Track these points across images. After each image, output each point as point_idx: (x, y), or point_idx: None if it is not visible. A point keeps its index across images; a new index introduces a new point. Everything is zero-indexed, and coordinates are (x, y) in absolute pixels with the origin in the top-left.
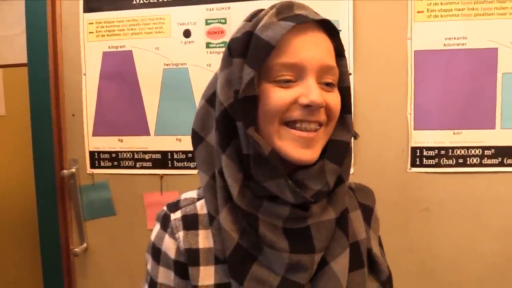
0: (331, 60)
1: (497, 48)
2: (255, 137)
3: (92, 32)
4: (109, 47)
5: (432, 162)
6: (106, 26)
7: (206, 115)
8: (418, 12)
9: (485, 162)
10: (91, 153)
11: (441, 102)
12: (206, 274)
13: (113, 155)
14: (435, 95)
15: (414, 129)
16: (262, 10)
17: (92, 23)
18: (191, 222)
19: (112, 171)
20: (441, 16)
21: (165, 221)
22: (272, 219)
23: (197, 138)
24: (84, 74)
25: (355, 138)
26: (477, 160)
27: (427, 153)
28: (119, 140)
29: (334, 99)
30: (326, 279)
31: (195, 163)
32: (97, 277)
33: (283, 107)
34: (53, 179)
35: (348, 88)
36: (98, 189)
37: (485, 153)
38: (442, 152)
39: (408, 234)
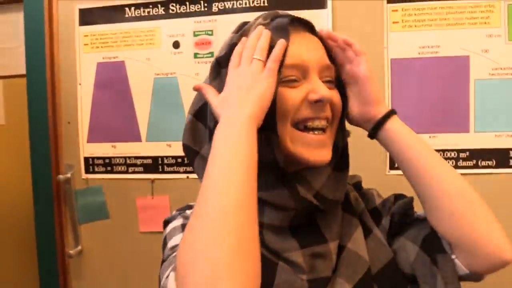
0: (328, 60)
1: (469, 56)
2: (274, 142)
3: (87, 44)
4: (103, 58)
5: None
6: (100, 38)
7: (195, 130)
8: (394, 22)
9: (461, 164)
10: (86, 159)
11: (417, 107)
12: None
13: (107, 160)
14: (411, 101)
15: None
16: (248, 22)
17: (87, 36)
18: None
19: (105, 176)
20: (415, 26)
21: (188, 207)
22: (277, 222)
23: (192, 152)
24: (80, 84)
25: (348, 136)
26: (452, 162)
27: None
28: (112, 146)
29: (336, 95)
30: (347, 260)
31: (184, 168)
32: (91, 279)
33: (295, 106)
34: (49, 184)
35: (343, 92)
36: (93, 193)
37: (460, 156)
38: None
39: None
